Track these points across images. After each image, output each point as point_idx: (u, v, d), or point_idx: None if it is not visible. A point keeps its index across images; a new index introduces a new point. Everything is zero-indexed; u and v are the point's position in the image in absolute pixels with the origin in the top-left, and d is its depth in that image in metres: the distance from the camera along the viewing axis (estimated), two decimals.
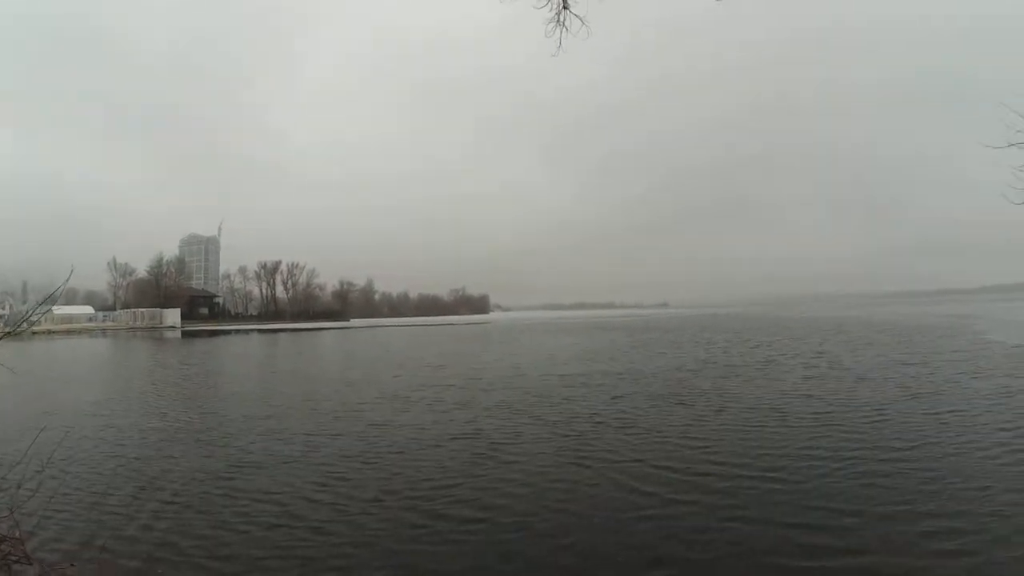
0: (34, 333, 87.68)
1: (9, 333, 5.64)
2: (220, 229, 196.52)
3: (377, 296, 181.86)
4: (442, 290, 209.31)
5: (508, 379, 20.71)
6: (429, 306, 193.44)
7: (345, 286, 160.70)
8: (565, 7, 6.04)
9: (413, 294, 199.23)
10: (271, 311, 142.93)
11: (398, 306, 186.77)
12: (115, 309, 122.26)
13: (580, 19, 6.06)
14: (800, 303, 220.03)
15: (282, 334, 77.89)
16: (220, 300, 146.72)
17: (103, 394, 19.78)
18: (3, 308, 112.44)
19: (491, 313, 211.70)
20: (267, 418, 14.21)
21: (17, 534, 5.89)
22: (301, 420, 13.85)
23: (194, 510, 7.78)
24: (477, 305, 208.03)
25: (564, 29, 6.06)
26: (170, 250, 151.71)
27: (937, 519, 6.67)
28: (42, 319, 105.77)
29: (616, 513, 7.29)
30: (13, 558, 5.81)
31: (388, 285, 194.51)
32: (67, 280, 7.32)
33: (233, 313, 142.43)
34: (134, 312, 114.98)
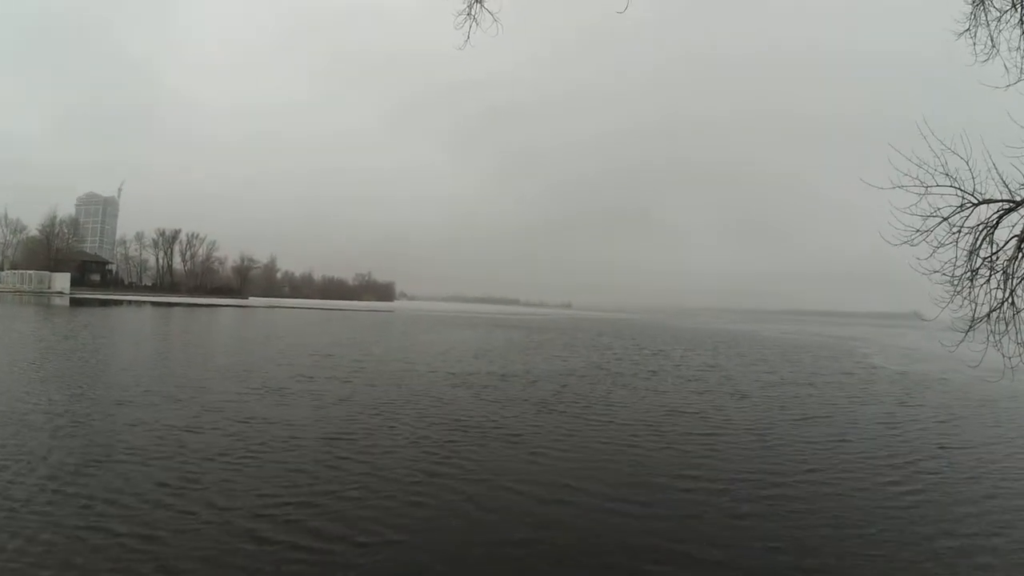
0: None
1: None
2: (120, 191, 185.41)
3: (279, 275, 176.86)
4: (348, 274, 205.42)
5: (394, 374, 20.14)
6: (333, 289, 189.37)
7: (246, 262, 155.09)
8: (478, 1, 6.15)
9: (317, 276, 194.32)
10: (166, 283, 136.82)
11: (301, 287, 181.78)
12: (2, 269, 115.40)
13: (492, 15, 6.17)
14: (696, 314, 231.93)
15: (176, 309, 75.34)
16: (113, 267, 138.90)
17: None
18: None
19: (396, 301, 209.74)
20: (122, 404, 13.09)
21: None
22: (168, 410, 12.73)
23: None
24: (382, 292, 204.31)
25: (475, 23, 6.18)
26: (65, 209, 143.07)
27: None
28: None
29: (446, 536, 6.83)
30: None
31: (292, 264, 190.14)
32: None
33: (126, 282, 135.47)
34: (21, 274, 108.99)
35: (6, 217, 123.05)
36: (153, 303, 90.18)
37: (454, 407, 14.58)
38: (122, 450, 9.51)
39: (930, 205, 5.61)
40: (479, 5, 6.13)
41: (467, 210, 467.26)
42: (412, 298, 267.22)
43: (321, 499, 7.70)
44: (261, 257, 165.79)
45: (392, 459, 9.71)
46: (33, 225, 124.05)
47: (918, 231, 5.71)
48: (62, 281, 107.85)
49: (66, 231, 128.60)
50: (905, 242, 5.80)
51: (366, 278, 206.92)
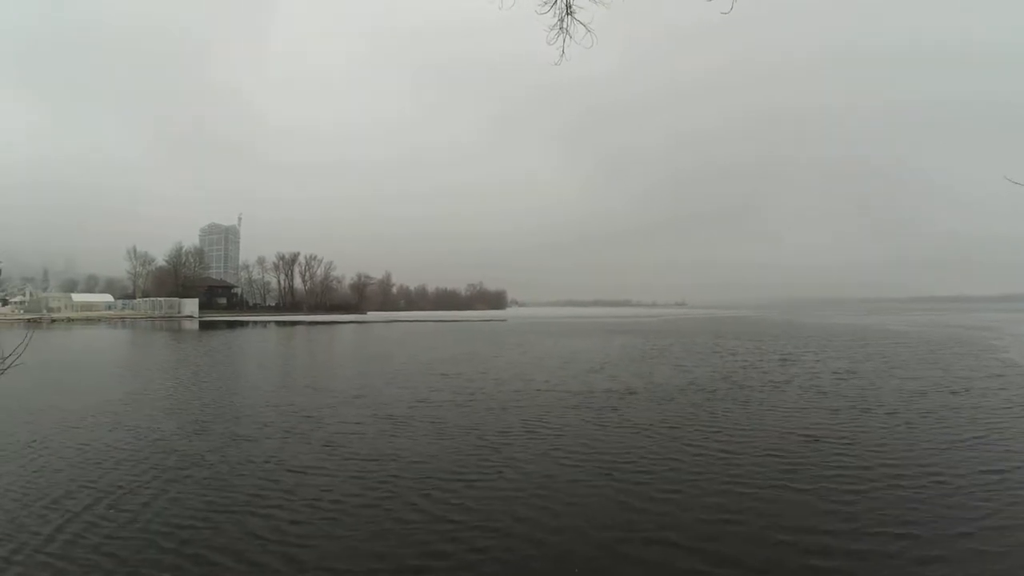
0: (53, 320, 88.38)
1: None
2: (240, 219, 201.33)
3: (395, 289, 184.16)
4: (460, 284, 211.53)
5: (512, 396, 19.09)
6: (446, 300, 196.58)
7: (362, 279, 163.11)
8: (569, 13, 5.83)
9: (431, 288, 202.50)
10: (288, 302, 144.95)
11: (415, 300, 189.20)
12: (134, 297, 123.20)
13: (584, 26, 5.79)
14: (811, 308, 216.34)
15: (299, 327, 78.15)
16: (238, 291, 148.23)
17: (123, 390, 19.54)
18: (24, 295, 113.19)
19: (508, 309, 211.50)
20: (243, 439, 12.83)
21: None
22: (290, 445, 12.39)
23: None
24: (494, 300, 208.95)
25: (568, 36, 5.85)
26: (190, 239, 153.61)
27: None
28: (62, 306, 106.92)
29: None
30: None
31: (406, 278, 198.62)
32: None
33: (251, 304, 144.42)
34: (152, 301, 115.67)
35: (135, 251, 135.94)
36: (277, 322, 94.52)
37: (577, 436, 13.43)
38: (233, 497, 9.09)
39: None
40: (570, 17, 5.81)
41: (574, 214, 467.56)
42: (523, 305, 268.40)
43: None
44: (376, 273, 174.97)
45: (511, 514, 8.72)
46: (160, 255, 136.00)
47: None
48: (191, 306, 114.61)
49: (192, 259, 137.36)
50: None
51: (478, 288, 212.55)
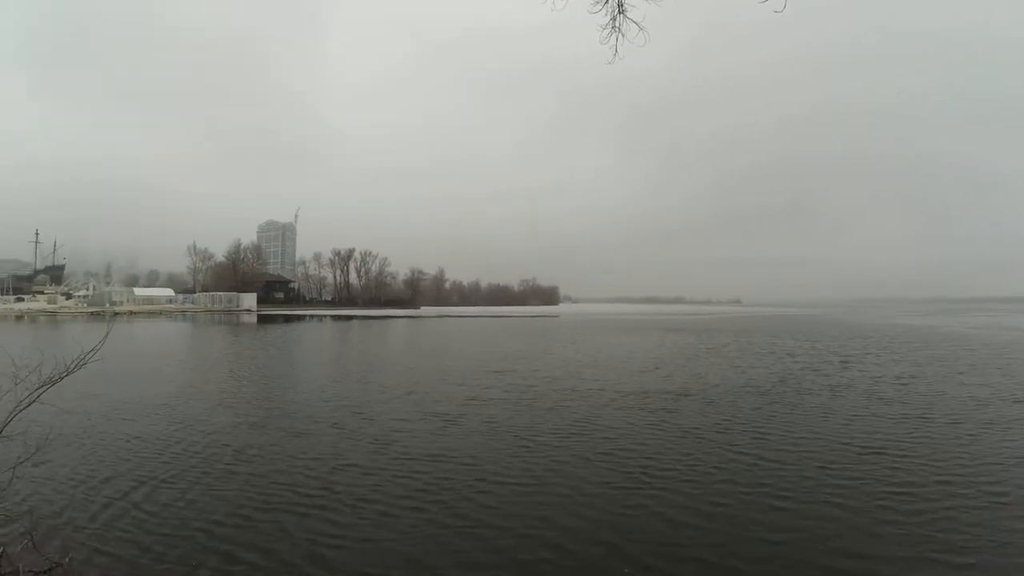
0: (116, 313, 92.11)
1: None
2: (297, 215, 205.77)
3: (447, 285, 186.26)
4: (513, 280, 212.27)
5: (565, 395, 18.74)
6: (499, 296, 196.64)
7: (416, 274, 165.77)
8: (621, 11, 5.75)
9: (484, 283, 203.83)
10: (344, 297, 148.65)
11: (468, 295, 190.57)
12: (194, 292, 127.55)
13: (637, 24, 5.69)
14: (869, 308, 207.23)
15: (354, 321, 79.89)
16: (295, 285, 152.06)
17: (179, 382, 19.63)
18: (88, 289, 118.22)
19: (560, 304, 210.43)
20: (300, 436, 12.78)
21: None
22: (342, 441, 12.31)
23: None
24: (547, 296, 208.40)
25: (620, 35, 5.76)
26: (248, 236, 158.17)
27: None
28: (124, 300, 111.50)
29: None
30: None
31: (459, 274, 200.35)
32: None
33: (307, 298, 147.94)
34: (212, 295, 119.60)
35: (195, 247, 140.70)
36: (333, 316, 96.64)
37: (628, 440, 13.02)
38: (276, 494, 8.96)
39: None
40: (622, 16, 5.69)
41: (629, 211, 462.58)
42: (576, 301, 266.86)
43: None
44: (429, 269, 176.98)
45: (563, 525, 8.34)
46: (219, 252, 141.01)
47: None
48: (249, 300, 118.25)
49: (250, 255, 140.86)
50: None
51: (531, 283, 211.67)
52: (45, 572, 5.59)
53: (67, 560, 6.00)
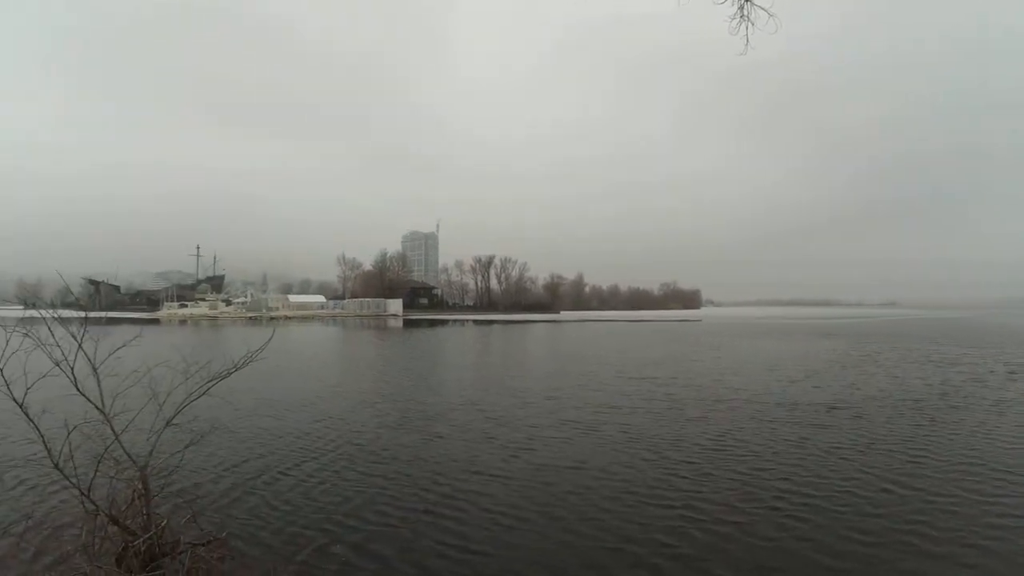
0: (272, 318, 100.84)
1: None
2: (438, 226, 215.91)
3: (587, 289, 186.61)
4: (652, 284, 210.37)
5: (709, 405, 17.98)
6: (639, 300, 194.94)
7: (555, 279, 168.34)
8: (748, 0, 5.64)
9: (623, 287, 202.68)
10: (485, 302, 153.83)
11: (608, 299, 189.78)
12: (344, 298, 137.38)
13: (766, 11, 5.65)
14: None
15: (495, 325, 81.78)
16: (438, 291, 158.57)
17: (328, 382, 20.84)
18: (246, 296, 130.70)
19: (702, 308, 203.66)
20: (437, 438, 13.37)
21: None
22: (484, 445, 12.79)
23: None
24: (688, 300, 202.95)
25: (749, 23, 5.70)
26: (393, 246, 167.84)
27: None
28: (280, 306, 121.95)
29: None
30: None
31: (598, 278, 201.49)
32: None
33: (450, 304, 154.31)
34: (360, 301, 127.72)
35: (344, 256, 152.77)
36: (475, 321, 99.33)
37: (772, 458, 12.23)
38: (412, 495, 9.29)
39: None
40: (750, 4, 5.60)
41: (770, 205, 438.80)
42: (719, 304, 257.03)
43: None
44: (569, 274, 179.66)
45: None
46: (367, 261, 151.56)
47: None
48: (395, 306, 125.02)
49: (396, 264, 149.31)
50: None
51: (671, 287, 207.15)
52: (203, 544, 6.09)
53: (224, 535, 6.64)
